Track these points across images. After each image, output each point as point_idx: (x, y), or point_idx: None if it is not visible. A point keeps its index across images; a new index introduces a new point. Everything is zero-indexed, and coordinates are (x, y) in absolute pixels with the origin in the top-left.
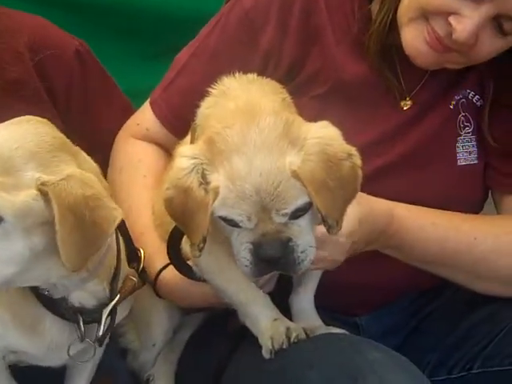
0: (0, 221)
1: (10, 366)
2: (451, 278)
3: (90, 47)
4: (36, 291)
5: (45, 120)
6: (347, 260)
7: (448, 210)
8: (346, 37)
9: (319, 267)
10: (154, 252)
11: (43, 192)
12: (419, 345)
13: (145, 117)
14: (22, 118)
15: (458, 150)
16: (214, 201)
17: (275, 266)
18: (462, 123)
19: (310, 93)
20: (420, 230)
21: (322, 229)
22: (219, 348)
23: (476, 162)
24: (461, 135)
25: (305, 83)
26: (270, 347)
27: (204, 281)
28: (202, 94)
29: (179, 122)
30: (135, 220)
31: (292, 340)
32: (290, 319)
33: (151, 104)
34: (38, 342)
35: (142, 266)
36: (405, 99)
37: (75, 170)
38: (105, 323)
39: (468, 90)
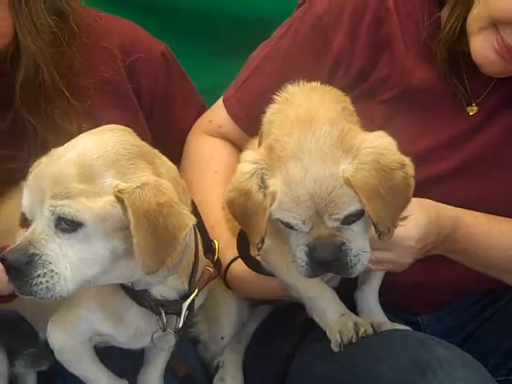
0: (81, 226)
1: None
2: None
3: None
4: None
5: (127, 128)
6: (415, 263)
7: (508, 216)
8: (415, 43)
9: (386, 268)
10: (224, 245)
11: (120, 199)
12: (478, 346)
13: (218, 114)
14: (107, 126)
15: None
16: (271, 204)
17: (329, 268)
18: None
19: (378, 97)
20: (485, 237)
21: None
22: (286, 340)
23: None
24: None
25: (374, 88)
26: (339, 341)
27: (271, 275)
28: (274, 95)
29: (251, 121)
30: (206, 214)
31: (360, 334)
32: (356, 314)
33: (224, 102)
34: (124, 329)
35: (216, 256)
36: (471, 105)
37: (150, 178)
38: (184, 315)
39: None
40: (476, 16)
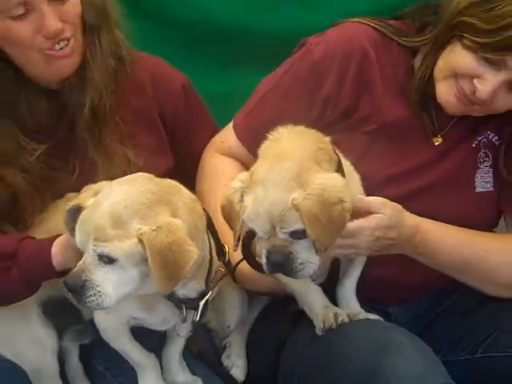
0: (115, 261)
1: None
2: (465, 281)
3: (172, 55)
4: None
5: (149, 175)
6: (384, 263)
7: (467, 227)
8: (392, 86)
9: (350, 252)
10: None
11: (140, 240)
12: (436, 333)
13: (228, 136)
14: (130, 177)
15: (476, 179)
16: (243, 214)
17: (279, 270)
18: (482, 158)
19: (361, 130)
20: (440, 242)
21: (356, 223)
22: (281, 325)
23: (491, 189)
24: (480, 168)
25: (357, 122)
26: (322, 327)
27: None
28: (275, 124)
29: (256, 144)
30: (218, 221)
31: (339, 322)
32: (336, 305)
33: (234, 127)
34: (154, 317)
35: (227, 258)
36: (436, 136)
37: (165, 220)
38: (201, 310)
39: (489, 132)
40: (441, 67)
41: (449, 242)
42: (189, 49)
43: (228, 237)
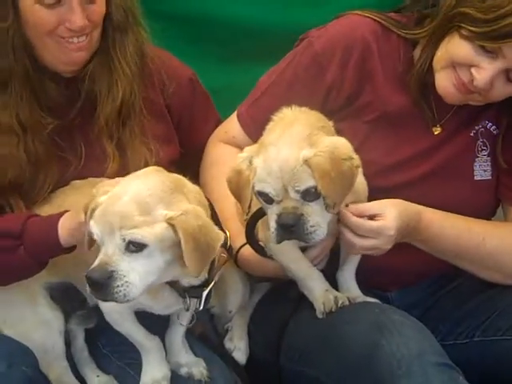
0: (146, 246)
1: None
2: (463, 267)
3: (178, 49)
4: None
5: (161, 168)
6: None
7: (465, 215)
8: (393, 76)
9: (372, 253)
10: (236, 234)
11: (171, 224)
12: (435, 317)
13: (232, 126)
14: (145, 170)
15: (474, 168)
16: (253, 177)
17: (291, 234)
18: (480, 147)
19: (362, 118)
20: (440, 228)
21: (377, 223)
22: (283, 309)
23: (490, 177)
24: (478, 156)
25: (359, 111)
26: (323, 310)
27: (272, 258)
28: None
29: (259, 133)
30: (222, 208)
31: (339, 305)
32: (337, 289)
33: (238, 116)
34: (159, 303)
35: (228, 244)
36: (436, 126)
37: (188, 206)
38: (204, 299)
39: (487, 121)
40: (439, 57)
41: (447, 228)
42: (191, 43)
43: (229, 224)
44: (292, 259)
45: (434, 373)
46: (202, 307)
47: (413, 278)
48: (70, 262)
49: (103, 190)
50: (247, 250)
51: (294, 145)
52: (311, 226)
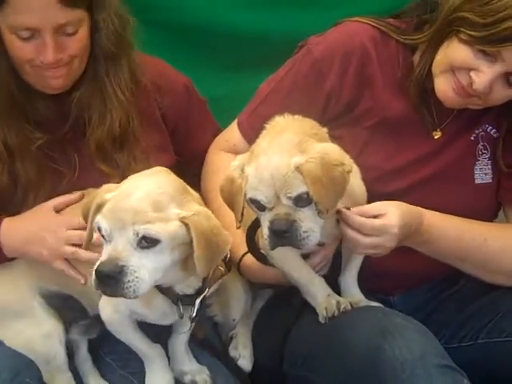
0: (158, 242)
1: None
2: (466, 270)
3: (177, 59)
4: None
5: (167, 169)
6: (387, 254)
7: (467, 217)
8: (392, 82)
9: (375, 252)
10: (238, 242)
11: (185, 223)
12: (438, 320)
13: (233, 135)
14: (153, 169)
15: (475, 171)
16: (245, 185)
17: (284, 240)
18: (480, 151)
19: (362, 124)
20: (442, 230)
21: (380, 221)
22: (286, 315)
23: (490, 181)
24: (479, 160)
25: (359, 117)
26: (325, 315)
27: (274, 265)
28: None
29: None
30: (223, 217)
31: (341, 310)
32: (339, 295)
33: (238, 125)
34: (154, 312)
35: (228, 256)
36: (436, 130)
37: (199, 207)
38: (197, 307)
39: (487, 125)
40: (439, 62)
41: (449, 229)
42: (190, 52)
43: (231, 232)
44: (293, 266)
45: (438, 375)
46: (194, 314)
47: (415, 282)
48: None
49: (106, 188)
50: (249, 258)
51: (284, 152)
52: (304, 232)
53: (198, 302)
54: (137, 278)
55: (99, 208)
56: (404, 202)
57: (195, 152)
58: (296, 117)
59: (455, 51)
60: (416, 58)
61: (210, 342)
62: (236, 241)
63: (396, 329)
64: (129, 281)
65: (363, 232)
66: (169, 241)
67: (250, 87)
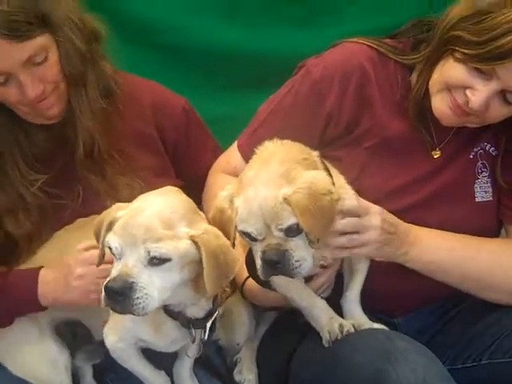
0: (168, 260)
1: None
2: (461, 287)
3: (175, 80)
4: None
5: (178, 189)
6: (388, 273)
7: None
8: (391, 102)
9: (369, 249)
10: (241, 266)
11: (194, 241)
12: (443, 341)
13: (233, 157)
14: (164, 188)
15: (475, 190)
16: (235, 216)
17: (276, 270)
18: (480, 169)
19: (362, 145)
20: (433, 240)
21: (364, 201)
22: (290, 339)
23: (491, 198)
24: (478, 178)
25: (359, 137)
26: (328, 339)
27: (275, 290)
28: None
29: None
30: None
31: (344, 333)
32: (342, 317)
33: (238, 147)
34: (162, 338)
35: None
36: (435, 150)
37: (208, 226)
38: (208, 330)
39: (485, 143)
40: (435, 81)
41: (440, 239)
42: (187, 73)
43: (239, 255)
44: (294, 290)
45: None
46: (206, 337)
47: (418, 303)
48: None
49: (117, 206)
50: (251, 282)
51: (271, 183)
52: (296, 261)
53: (208, 324)
54: (146, 294)
55: (110, 226)
56: (404, 221)
57: (198, 173)
58: (285, 141)
59: (451, 70)
60: (414, 77)
61: (214, 367)
62: (240, 263)
63: (399, 352)
64: (138, 297)
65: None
66: (179, 259)
67: (248, 107)
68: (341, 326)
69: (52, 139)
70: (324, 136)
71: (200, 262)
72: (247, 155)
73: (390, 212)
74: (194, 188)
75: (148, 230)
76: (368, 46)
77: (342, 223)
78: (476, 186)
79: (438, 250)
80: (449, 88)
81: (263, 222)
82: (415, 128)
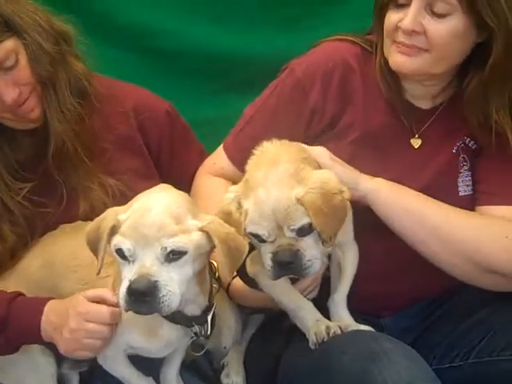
0: (185, 254)
1: None
2: (431, 251)
3: (162, 84)
4: None
5: (170, 185)
6: (374, 274)
7: None
8: (375, 96)
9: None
10: None
11: (205, 232)
12: (429, 341)
13: (219, 158)
14: (159, 186)
15: (459, 184)
16: (245, 219)
17: (288, 270)
18: (461, 163)
19: (346, 139)
20: (404, 189)
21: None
22: (277, 341)
23: (471, 192)
24: (461, 172)
25: (342, 132)
26: (315, 341)
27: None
28: (265, 141)
29: (246, 162)
30: None
31: (330, 335)
32: (329, 319)
33: (224, 148)
34: (156, 342)
35: (217, 274)
36: (414, 137)
37: (210, 216)
38: (209, 324)
39: (466, 137)
40: (384, 42)
41: (412, 195)
42: (174, 77)
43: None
44: (282, 291)
45: None
46: (210, 332)
47: (405, 303)
48: None
49: (112, 211)
50: (238, 282)
51: (283, 184)
52: (308, 261)
53: (209, 318)
54: (169, 291)
55: (114, 230)
56: None
57: (182, 176)
58: (283, 141)
59: (385, 23)
60: None
61: (202, 370)
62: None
63: (385, 353)
64: (163, 295)
65: None
66: (193, 251)
67: (235, 110)
68: (327, 327)
69: (35, 144)
70: (308, 132)
71: (207, 253)
72: (233, 156)
73: None
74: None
75: (161, 227)
76: (350, 41)
77: None
78: (459, 180)
79: (406, 191)
80: (392, 38)
81: (275, 222)
82: (395, 115)
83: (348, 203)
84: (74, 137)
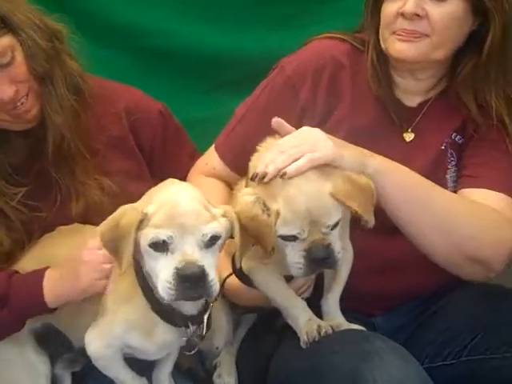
0: (219, 238)
1: None
2: (419, 226)
3: (153, 84)
4: (153, 305)
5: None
6: (366, 273)
7: None
8: (365, 92)
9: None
10: (222, 264)
11: (228, 218)
12: (421, 339)
13: (211, 158)
14: (169, 180)
15: (447, 179)
16: (276, 221)
17: (322, 265)
18: (449, 159)
19: (337, 135)
20: (393, 162)
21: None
22: (269, 341)
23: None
24: (449, 168)
25: (334, 127)
26: (306, 340)
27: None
28: (256, 141)
29: (238, 161)
30: None
31: (322, 334)
32: (321, 318)
33: (216, 148)
34: (152, 343)
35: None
36: (407, 131)
37: (225, 206)
38: (205, 324)
39: (454, 132)
40: (380, 34)
41: (405, 171)
42: (166, 77)
43: (221, 255)
44: (276, 289)
45: None
46: (204, 332)
47: (397, 302)
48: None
49: (130, 207)
50: (233, 280)
51: (312, 180)
52: (338, 253)
53: (205, 318)
54: (213, 277)
55: (142, 224)
56: (381, 214)
57: (174, 176)
58: None
59: (382, 13)
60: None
61: (194, 371)
62: (220, 262)
63: (376, 352)
64: (212, 279)
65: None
66: (225, 235)
67: (227, 110)
68: (319, 327)
69: (29, 145)
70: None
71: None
72: (225, 156)
73: None
74: None
75: (198, 215)
76: (340, 39)
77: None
78: (447, 176)
79: (401, 169)
80: (391, 29)
81: (310, 219)
82: (383, 110)
83: (371, 182)
84: (72, 132)
